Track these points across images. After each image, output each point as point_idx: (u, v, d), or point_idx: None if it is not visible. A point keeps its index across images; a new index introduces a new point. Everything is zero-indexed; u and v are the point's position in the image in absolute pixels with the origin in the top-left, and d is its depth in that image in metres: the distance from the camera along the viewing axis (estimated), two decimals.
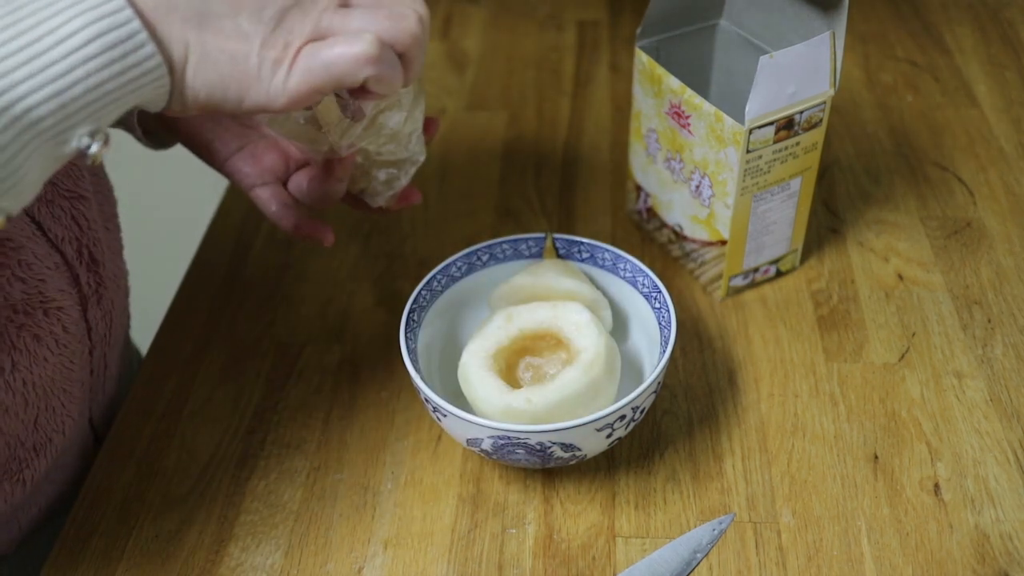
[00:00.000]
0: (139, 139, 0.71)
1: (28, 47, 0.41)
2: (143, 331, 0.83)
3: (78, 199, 0.62)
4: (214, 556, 0.62)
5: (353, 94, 0.51)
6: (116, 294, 0.68)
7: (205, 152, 0.69)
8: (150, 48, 0.43)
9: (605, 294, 0.70)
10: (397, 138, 0.63)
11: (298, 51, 0.46)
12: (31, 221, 0.58)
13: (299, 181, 0.67)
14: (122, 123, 0.70)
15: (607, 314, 0.68)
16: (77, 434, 0.66)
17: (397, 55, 0.49)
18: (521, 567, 0.60)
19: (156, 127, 0.71)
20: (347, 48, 0.46)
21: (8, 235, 0.55)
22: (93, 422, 0.69)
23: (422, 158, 0.66)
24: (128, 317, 0.74)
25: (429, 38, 0.50)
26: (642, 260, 0.79)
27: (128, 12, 0.42)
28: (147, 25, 0.43)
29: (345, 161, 0.63)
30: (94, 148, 0.44)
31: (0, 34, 0.40)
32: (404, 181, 0.66)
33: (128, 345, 0.80)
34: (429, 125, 0.68)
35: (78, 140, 0.43)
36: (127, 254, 0.72)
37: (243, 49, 0.46)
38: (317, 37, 0.47)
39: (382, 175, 0.66)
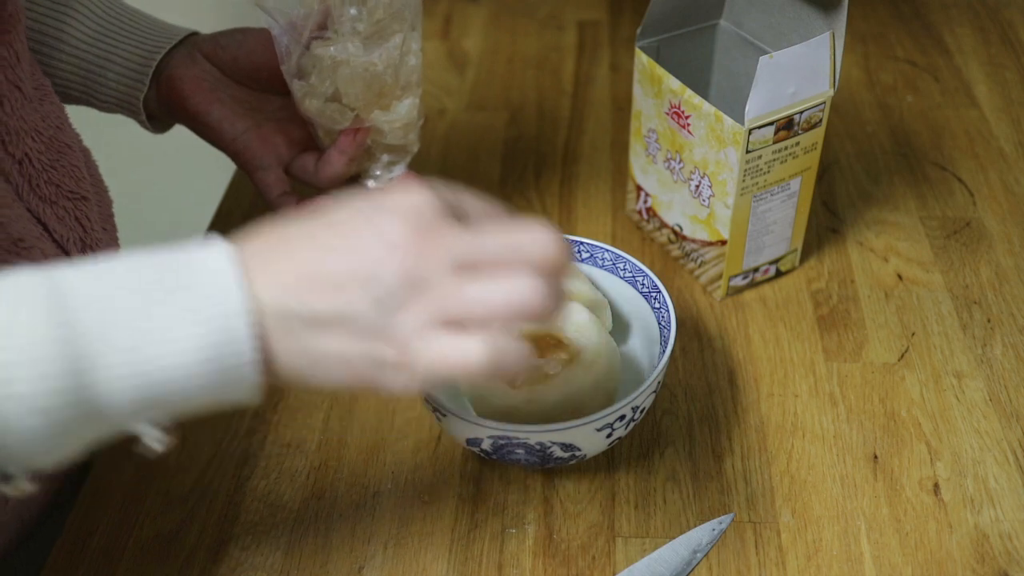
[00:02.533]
0: (143, 124, 0.72)
1: (140, 348, 0.39)
2: None
3: (80, 200, 0.63)
4: (214, 556, 0.62)
5: None
6: None
7: (212, 132, 0.71)
8: (250, 373, 0.41)
9: (605, 294, 0.70)
10: (406, 123, 0.69)
11: (415, 350, 0.41)
12: (37, 222, 0.59)
13: (304, 162, 0.69)
14: (126, 108, 0.71)
15: (607, 314, 0.68)
16: None
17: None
18: (521, 567, 0.61)
19: (158, 111, 0.72)
20: (460, 354, 0.41)
21: (20, 235, 0.56)
22: None
23: (416, 148, 0.72)
24: None
25: (568, 263, 0.43)
26: (642, 260, 0.79)
27: (248, 342, 0.40)
28: (261, 343, 0.41)
29: (359, 136, 0.67)
30: (157, 445, 0.42)
31: (126, 332, 0.39)
32: (402, 167, 0.71)
33: None
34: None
35: (144, 428, 0.42)
36: None
37: (357, 353, 0.41)
38: (434, 326, 0.41)
39: (384, 158, 0.71)
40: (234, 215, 0.88)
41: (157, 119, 0.73)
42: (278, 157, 0.70)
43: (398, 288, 0.41)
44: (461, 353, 0.41)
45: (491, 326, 0.41)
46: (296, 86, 0.67)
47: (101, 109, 0.72)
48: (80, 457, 0.42)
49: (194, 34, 0.73)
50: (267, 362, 0.41)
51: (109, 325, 0.39)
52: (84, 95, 0.71)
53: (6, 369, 0.37)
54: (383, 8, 0.66)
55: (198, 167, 0.73)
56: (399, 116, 0.69)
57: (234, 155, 0.71)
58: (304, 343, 0.41)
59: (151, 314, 0.39)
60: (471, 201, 0.44)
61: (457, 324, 0.41)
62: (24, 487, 0.40)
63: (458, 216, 0.43)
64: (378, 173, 0.71)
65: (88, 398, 0.39)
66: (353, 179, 0.72)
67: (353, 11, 0.66)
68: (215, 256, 0.41)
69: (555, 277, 0.42)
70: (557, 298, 0.42)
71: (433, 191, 0.43)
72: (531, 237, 0.42)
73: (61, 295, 0.39)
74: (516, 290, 0.41)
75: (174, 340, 0.39)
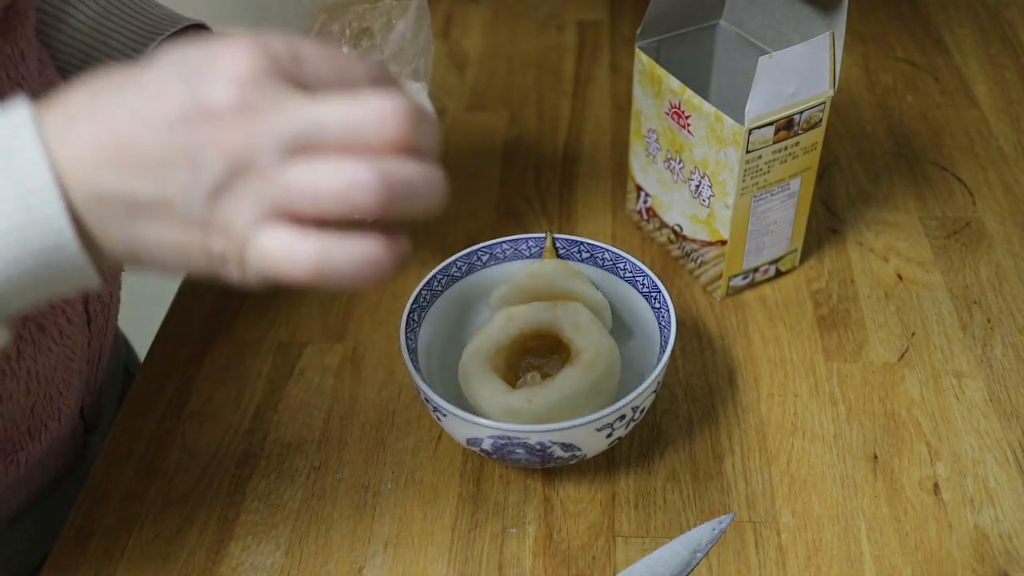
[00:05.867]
0: None
1: None
2: (143, 331, 0.83)
3: None
4: (214, 556, 0.62)
5: None
6: (113, 287, 0.68)
7: None
8: (81, 261, 0.37)
9: (605, 294, 0.70)
10: None
11: (243, 242, 0.37)
12: None
13: None
14: None
15: (607, 314, 0.68)
16: (70, 422, 0.66)
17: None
18: (521, 567, 0.61)
19: None
20: (285, 256, 0.37)
21: None
22: (84, 411, 0.69)
23: None
24: (119, 308, 0.74)
25: (425, 140, 0.37)
26: (642, 260, 0.79)
27: (62, 223, 0.35)
28: (77, 225, 0.36)
29: None
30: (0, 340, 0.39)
31: None
32: None
33: (116, 336, 0.80)
34: None
35: None
36: None
37: (184, 242, 0.37)
38: (263, 218, 0.36)
39: None
40: None
41: None
42: None
43: (221, 171, 0.35)
44: (286, 255, 0.36)
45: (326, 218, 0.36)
46: None
47: None
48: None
49: (199, 26, 0.71)
50: (90, 245, 0.37)
51: None
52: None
53: None
54: (379, 52, 0.62)
55: None
56: None
57: None
58: (126, 230, 0.37)
59: None
60: (314, 58, 0.38)
61: (290, 214, 0.36)
62: None
63: (297, 79, 0.37)
64: None
65: None
66: None
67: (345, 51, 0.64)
68: (14, 131, 0.36)
69: (401, 161, 0.36)
70: (400, 185, 0.35)
71: (267, 53, 0.36)
72: (371, 113, 0.36)
73: None
74: (345, 178, 0.35)
75: None
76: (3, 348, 0.39)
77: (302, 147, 0.36)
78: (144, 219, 0.37)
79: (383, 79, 0.38)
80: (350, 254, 0.37)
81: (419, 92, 0.64)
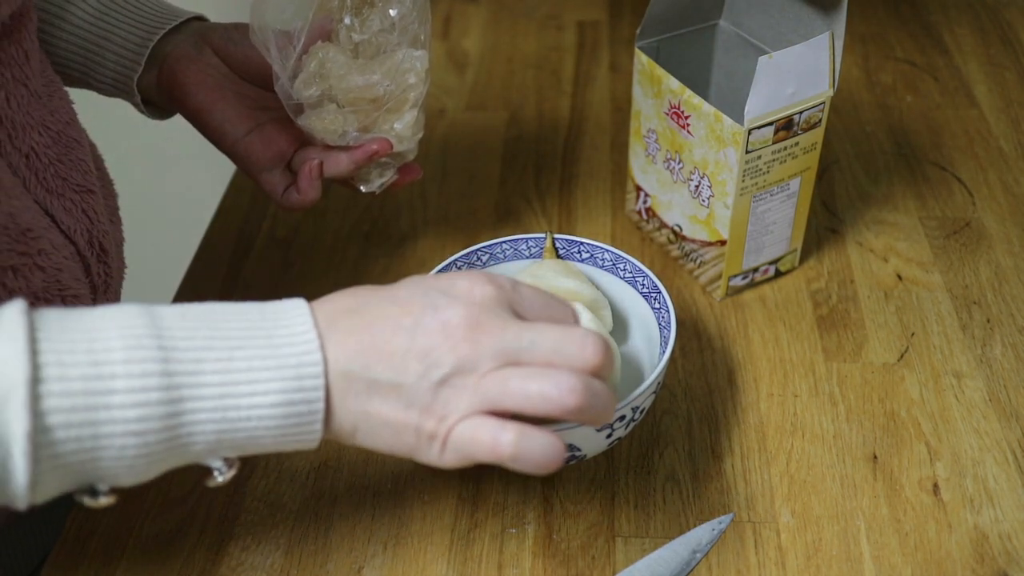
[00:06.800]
0: (137, 107, 0.72)
1: (225, 386, 0.44)
2: None
3: (87, 192, 0.63)
4: (214, 556, 0.62)
5: None
6: (119, 286, 0.69)
7: (214, 133, 0.69)
8: (319, 427, 0.47)
9: (605, 294, 0.70)
10: (401, 137, 0.68)
11: (452, 427, 0.47)
12: (45, 214, 0.59)
13: (307, 156, 0.69)
14: (122, 90, 0.71)
15: (607, 314, 0.68)
16: None
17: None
18: (521, 567, 0.61)
19: (158, 99, 0.71)
20: (490, 441, 0.46)
21: (28, 226, 0.56)
22: None
23: (413, 156, 0.71)
24: None
25: (610, 369, 0.49)
26: (642, 260, 0.79)
27: (320, 393, 0.46)
28: (327, 396, 0.46)
29: (365, 150, 0.67)
30: (220, 478, 0.47)
31: (214, 375, 0.44)
32: (393, 171, 0.71)
33: None
34: (410, 171, 0.72)
35: (213, 461, 0.47)
36: (128, 252, 0.72)
37: (403, 421, 0.47)
38: (474, 410, 0.47)
39: (379, 162, 0.70)
40: (235, 213, 0.88)
41: (156, 105, 0.72)
42: (281, 156, 0.69)
43: (449, 369, 0.46)
44: (491, 440, 0.46)
45: (526, 416, 0.46)
46: (291, 107, 0.66)
47: (100, 91, 0.72)
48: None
49: (199, 18, 0.71)
50: (327, 416, 0.47)
51: (201, 367, 0.44)
52: (83, 76, 0.70)
53: (111, 394, 0.42)
54: (380, 20, 0.65)
55: (200, 165, 0.72)
56: (396, 130, 0.68)
57: (235, 158, 0.69)
58: (361, 404, 0.47)
59: (238, 361, 0.44)
60: (529, 295, 0.50)
61: (496, 410, 0.46)
62: (106, 502, 0.45)
63: (515, 309, 0.49)
64: (372, 178, 0.71)
65: (176, 429, 0.44)
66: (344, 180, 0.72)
67: (347, 20, 0.65)
68: (297, 315, 0.47)
69: (593, 379, 0.47)
70: (592, 397, 0.46)
71: (496, 285, 0.48)
72: (575, 341, 0.47)
73: (160, 333, 0.44)
74: (551, 387, 0.46)
75: (256, 386, 0.45)
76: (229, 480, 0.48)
77: (515, 360, 0.47)
78: (377, 397, 0.47)
79: (571, 317, 0.51)
80: (542, 445, 0.46)
81: (421, 59, 0.66)
